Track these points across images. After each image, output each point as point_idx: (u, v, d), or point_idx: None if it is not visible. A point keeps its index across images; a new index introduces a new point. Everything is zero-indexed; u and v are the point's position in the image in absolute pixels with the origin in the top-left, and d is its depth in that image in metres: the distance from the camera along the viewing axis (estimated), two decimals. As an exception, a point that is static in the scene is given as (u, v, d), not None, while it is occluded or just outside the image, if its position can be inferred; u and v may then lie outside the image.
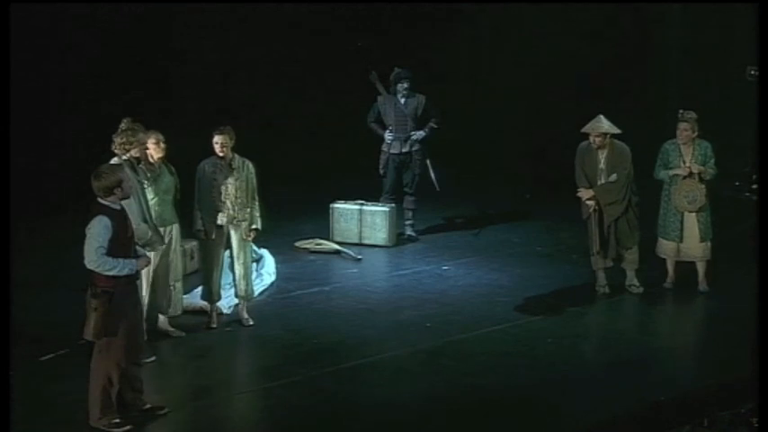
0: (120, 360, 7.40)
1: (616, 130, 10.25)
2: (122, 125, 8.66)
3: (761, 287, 7.88)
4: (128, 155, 8.57)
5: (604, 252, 10.40)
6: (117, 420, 7.43)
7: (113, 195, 7.31)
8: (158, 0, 14.45)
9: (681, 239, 10.48)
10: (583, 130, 10.27)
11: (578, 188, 10.37)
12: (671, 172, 10.38)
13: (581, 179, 10.37)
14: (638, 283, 10.54)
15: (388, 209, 12.51)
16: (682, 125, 10.35)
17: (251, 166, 9.54)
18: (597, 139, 10.21)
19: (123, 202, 7.48)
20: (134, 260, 7.35)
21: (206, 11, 15.12)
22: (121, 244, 7.28)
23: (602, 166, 10.28)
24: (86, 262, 7.23)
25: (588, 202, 10.32)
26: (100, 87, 13.83)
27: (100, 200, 7.32)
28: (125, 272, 7.25)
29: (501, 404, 8.10)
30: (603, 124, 10.23)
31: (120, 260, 7.22)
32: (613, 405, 8.01)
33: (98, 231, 7.17)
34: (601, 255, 10.42)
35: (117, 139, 8.59)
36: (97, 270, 7.19)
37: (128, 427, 7.44)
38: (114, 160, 8.51)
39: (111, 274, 7.19)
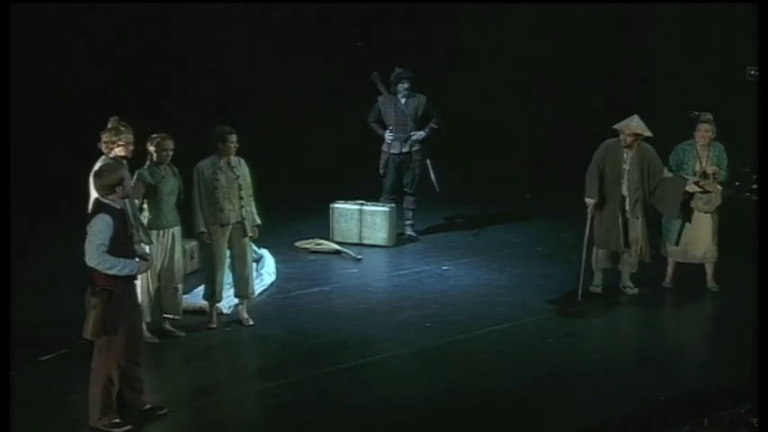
0: (121, 359, 7.40)
1: (648, 133, 10.13)
2: (109, 123, 8.63)
3: (761, 287, 7.89)
4: (113, 153, 8.55)
5: (626, 246, 10.25)
6: (117, 420, 7.43)
7: (114, 194, 7.31)
8: (159, 0, 14.45)
9: (677, 243, 10.46)
10: (616, 126, 10.16)
11: (587, 187, 10.27)
12: (690, 180, 10.26)
13: (593, 177, 10.20)
14: (632, 285, 10.53)
15: (388, 209, 12.51)
16: (704, 126, 10.33)
17: (244, 163, 9.57)
18: (629, 138, 10.09)
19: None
20: (135, 261, 7.35)
21: (206, 11, 15.11)
22: (122, 243, 7.28)
23: (626, 166, 10.17)
24: (87, 259, 7.22)
25: (587, 200, 10.26)
26: (100, 86, 13.83)
27: (101, 198, 7.32)
28: (125, 272, 7.25)
29: (501, 404, 8.10)
30: (638, 124, 10.12)
31: (121, 260, 7.22)
32: (613, 405, 8.02)
33: (99, 229, 7.18)
34: (610, 255, 10.34)
35: (103, 137, 8.58)
36: (97, 268, 7.19)
37: (128, 428, 7.43)
38: (102, 159, 8.51)
39: (111, 272, 7.19)
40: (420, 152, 12.53)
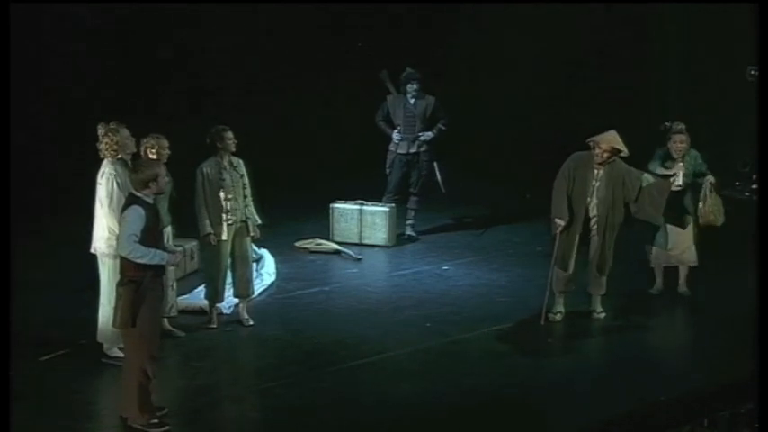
0: (155, 351, 7.41)
1: (625, 152, 9.42)
2: (100, 131, 8.58)
3: (761, 287, 7.88)
4: (118, 155, 8.54)
5: (574, 275, 9.70)
6: (155, 420, 7.41)
7: (148, 189, 7.39)
8: (158, 0, 14.45)
9: (668, 246, 10.30)
10: (594, 139, 9.41)
11: (553, 205, 9.55)
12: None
13: (561, 193, 9.50)
14: (600, 309, 9.89)
15: (387, 209, 12.51)
16: (679, 137, 10.00)
17: (243, 163, 9.58)
18: (605, 154, 9.34)
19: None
20: (165, 253, 7.42)
21: (205, 11, 15.10)
22: (153, 236, 7.37)
23: (596, 182, 9.46)
24: (119, 248, 7.37)
25: (557, 221, 9.53)
26: (100, 86, 13.83)
27: (134, 192, 7.41)
28: (155, 261, 7.30)
29: (500, 404, 8.11)
30: (618, 139, 9.37)
31: (152, 249, 7.28)
32: (613, 405, 8.02)
33: (132, 219, 7.27)
34: (570, 277, 9.70)
35: (102, 146, 8.53)
36: (128, 257, 7.26)
37: (166, 428, 7.42)
38: (105, 163, 8.50)
39: (141, 261, 7.24)
40: (427, 153, 12.52)
